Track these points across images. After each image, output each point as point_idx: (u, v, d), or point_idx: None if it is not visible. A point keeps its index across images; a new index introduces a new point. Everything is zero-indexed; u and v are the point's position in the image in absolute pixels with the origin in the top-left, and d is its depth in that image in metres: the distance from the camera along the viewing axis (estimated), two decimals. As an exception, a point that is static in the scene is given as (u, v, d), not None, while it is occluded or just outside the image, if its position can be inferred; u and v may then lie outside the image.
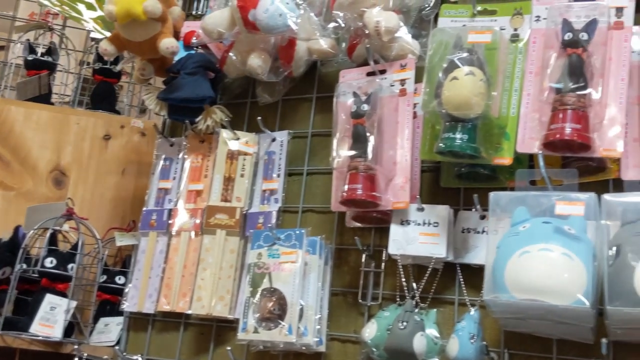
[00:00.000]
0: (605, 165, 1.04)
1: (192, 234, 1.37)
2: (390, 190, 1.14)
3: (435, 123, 1.09)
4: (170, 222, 1.41)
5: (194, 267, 1.34)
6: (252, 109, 1.45)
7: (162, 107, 1.42)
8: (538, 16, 1.07)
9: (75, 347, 1.47)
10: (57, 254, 1.60)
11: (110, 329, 1.64)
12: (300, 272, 1.17)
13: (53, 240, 1.63)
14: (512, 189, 1.07)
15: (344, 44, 1.32)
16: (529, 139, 1.01)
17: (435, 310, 1.11)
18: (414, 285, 1.14)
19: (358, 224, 1.24)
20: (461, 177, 1.15)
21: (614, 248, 0.83)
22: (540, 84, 1.02)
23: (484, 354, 1.02)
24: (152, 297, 1.39)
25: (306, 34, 1.31)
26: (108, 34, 1.43)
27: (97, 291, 1.70)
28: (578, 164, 1.03)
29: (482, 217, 1.10)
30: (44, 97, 2.08)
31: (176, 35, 1.43)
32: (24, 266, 1.60)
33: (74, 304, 1.58)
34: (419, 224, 1.12)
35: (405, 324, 1.03)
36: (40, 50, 2.13)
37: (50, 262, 1.58)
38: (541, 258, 0.85)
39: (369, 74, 1.22)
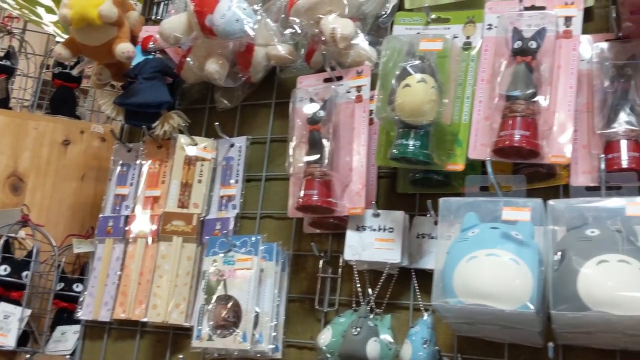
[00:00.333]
0: (556, 172, 1.06)
1: (149, 240, 1.36)
2: (346, 196, 1.14)
3: (389, 129, 1.09)
4: (127, 228, 1.39)
5: (151, 274, 1.32)
6: (210, 114, 1.44)
7: (119, 112, 1.41)
8: (490, 24, 1.08)
9: (28, 356, 1.44)
10: (12, 262, 1.57)
11: (67, 338, 1.62)
12: (255, 279, 1.16)
13: (7, 247, 1.60)
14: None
15: (303, 50, 1.32)
16: (480, 145, 1.03)
17: (389, 315, 1.11)
18: (369, 290, 1.14)
19: (316, 230, 1.24)
20: (416, 183, 1.15)
21: (559, 253, 0.85)
22: (491, 92, 1.03)
23: (437, 359, 1.03)
24: (108, 305, 1.37)
25: (264, 40, 1.31)
26: (69, 38, 1.41)
27: (55, 299, 1.67)
28: (529, 170, 1.05)
29: (436, 223, 1.11)
30: (2, 102, 2.05)
31: (134, 40, 1.42)
32: (-22, 274, 1.57)
33: (28, 312, 1.55)
34: (374, 230, 1.12)
35: (358, 329, 1.04)
36: (-2, 54, 2.10)
37: (4, 269, 1.55)
38: (488, 263, 0.86)
39: (326, 80, 1.22)
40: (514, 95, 0.98)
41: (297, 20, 1.22)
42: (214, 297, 1.17)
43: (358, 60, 1.21)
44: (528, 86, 0.98)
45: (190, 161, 1.36)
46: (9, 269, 1.55)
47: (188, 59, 1.34)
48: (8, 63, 2.08)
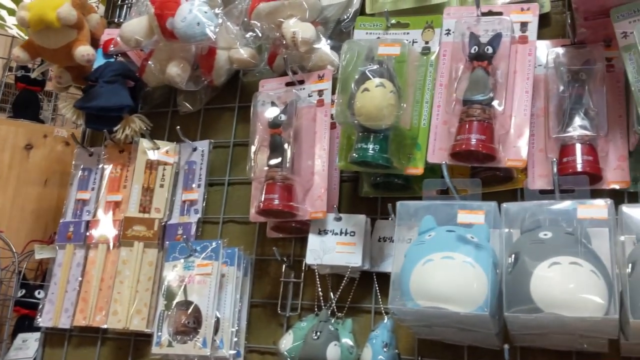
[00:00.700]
0: (513, 175, 1.07)
1: (110, 246, 1.34)
2: (308, 200, 1.14)
3: (350, 133, 1.10)
4: (88, 234, 1.37)
5: (112, 280, 1.30)
6: (173, 118, 1.43)
7: (79, 115, 1.39)
8: (448, 29, 1.09)
9: (-14, 365, 1.41)
10: (-30, 269, 1.54)
11: (28, 345, 1.59)
12: (215, 284, 1.15)
13: (-34, 254, 1.57)
14: (425, 199, 1.09)
15: (266, 54, 1.32)
16: (439, 149, 1.03)
17: (351, 319, 1.11)
18: (331, 294, 1.14)
19: (279, 235, 1.24)
20: (377, 187, 1.16)
21: (513, 255, 0.85)
22: (449, 96, 1.04)
23: (397, 362, 1.03)
24: (68, 311, 1.34)
25: (226, 43, 1.30)
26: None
27: (16, 306, 1.64)
28: (486, 173, 1.06)
29: (397, 226, 1.12)
30: (-37, 105, 2.01)
31: (96, 43, 1.40)
32: None
33: (-13, 320, 1.52)
34: (336, 234, 1.12)
35: (318, 334, 1.04)
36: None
37: (-39, 277, 1.52)
38: (443, 266, 0.86)
39: (288, 84, 1.22)
40: (471, 99, 0.99)
41: (258, 24, 1.22)
42: (174, 303, 1.16)
43: (320, 65, 1.21)
44: (484, 91, 0.99)
45: (152, 165, 1.35)
46: (-34, 276, 1.52)
47: (150, 62, 1.33)
48: (-31, 66, 2.04)
